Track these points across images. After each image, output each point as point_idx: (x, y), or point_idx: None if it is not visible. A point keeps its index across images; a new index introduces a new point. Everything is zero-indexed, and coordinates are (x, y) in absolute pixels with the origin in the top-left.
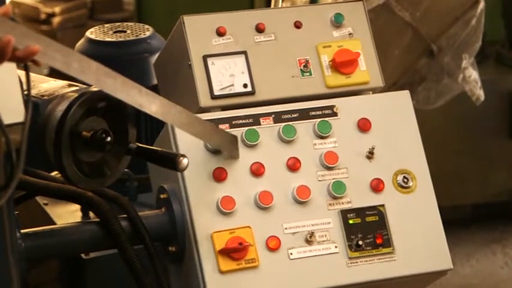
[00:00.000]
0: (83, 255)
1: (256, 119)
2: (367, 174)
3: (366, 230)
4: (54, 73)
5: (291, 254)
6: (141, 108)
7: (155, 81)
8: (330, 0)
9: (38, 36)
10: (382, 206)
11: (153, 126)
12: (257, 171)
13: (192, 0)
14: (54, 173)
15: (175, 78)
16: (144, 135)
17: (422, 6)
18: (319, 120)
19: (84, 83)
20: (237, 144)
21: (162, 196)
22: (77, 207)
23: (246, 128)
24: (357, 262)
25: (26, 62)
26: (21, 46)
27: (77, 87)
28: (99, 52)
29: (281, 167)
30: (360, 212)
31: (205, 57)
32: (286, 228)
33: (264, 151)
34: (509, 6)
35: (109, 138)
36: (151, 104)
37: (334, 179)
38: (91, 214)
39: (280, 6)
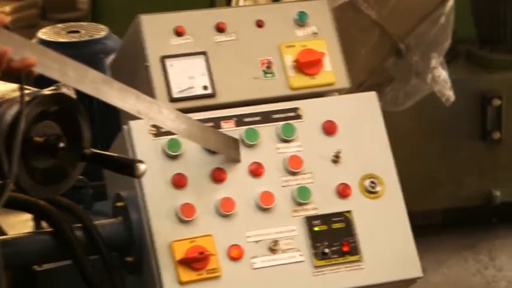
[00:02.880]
0: (35, 267)
1: (217, 123)
2: (333, 179)
3: (332, 238)
4: (4, 77)
5: (254, 263)
6: (139, 116)
7: None
8: None
9: (34, 46)
10: (349, 212)
11: (109, 130)
12: (218, 177)
13: None
14: None
15: (131, 81)
16: (100, 140)
17: (390, 3)
18: (282, 123)
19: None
20: (238, 146)
21: (118, 204)
22: (30, 216)
23: None
24: (323, 271)
25: (21, 72)
26: (17, 56)
27: (29, 91)
28: None
29: (243, 172)
30: (325, 218)
31: (163, 58)
32: (249, 237)
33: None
34: (479, 2)
35: (62, 144)
36: (149, 110)
37: (298, 184)
38: (44, 224)
39: (241, 4)
